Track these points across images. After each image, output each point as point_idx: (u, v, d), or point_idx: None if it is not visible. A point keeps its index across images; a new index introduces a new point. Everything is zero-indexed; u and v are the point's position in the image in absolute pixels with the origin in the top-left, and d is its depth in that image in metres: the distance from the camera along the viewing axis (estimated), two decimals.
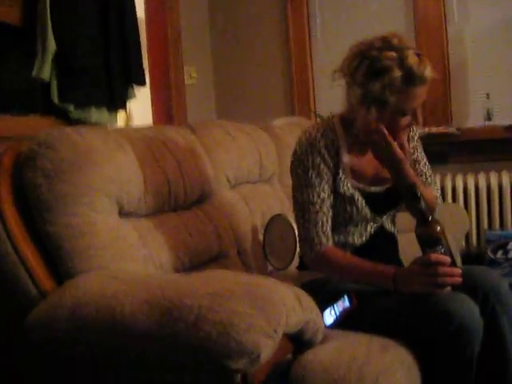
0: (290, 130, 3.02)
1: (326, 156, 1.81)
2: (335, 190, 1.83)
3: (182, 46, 3.94)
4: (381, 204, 1.88)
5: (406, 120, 1.77)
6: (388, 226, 1.95)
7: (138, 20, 3.27)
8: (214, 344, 1.19)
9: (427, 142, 3.70)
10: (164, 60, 3.82)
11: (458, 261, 2.77)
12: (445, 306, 1.53)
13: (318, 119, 3.79)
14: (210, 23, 4.45)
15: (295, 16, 4.30)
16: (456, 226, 3.22)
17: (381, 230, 1.92)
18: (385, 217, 1.93)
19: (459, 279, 1.57)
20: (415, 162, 1.95)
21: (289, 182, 2.76)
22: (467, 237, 3.95)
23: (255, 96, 4.40)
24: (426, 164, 1.98)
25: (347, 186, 1.84)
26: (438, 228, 1.60)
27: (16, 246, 1.56)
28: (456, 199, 3.95)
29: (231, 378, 1.23)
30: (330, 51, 4.21)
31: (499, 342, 1.69)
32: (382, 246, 1.90)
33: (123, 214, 1.77)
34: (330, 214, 1.82)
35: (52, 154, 1.63)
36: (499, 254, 3.76)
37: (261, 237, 2.37)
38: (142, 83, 3.18)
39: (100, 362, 1.39)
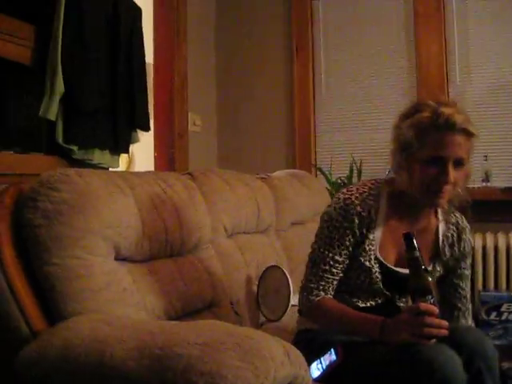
0: (290, 182, 3.06)
1: (356, 224, 1.79)
2: (355, 257, 1.81)
3: (187, 94, 4.00)
4: (398, 285, 1.83)
5: (432, 172, 1.71)
6: (397, 300, 1.90)
7: (146, 65, 3.34)
8: None
9: None
10: (169, 106, 3.88)
11: None
12: (429, 357, 1.54)
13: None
14: (216, 73, 4.53)
15: (300, 71, 4.39)
16: None
17: (389, 303, 1.89)
18: (397, 296, 1.89)
19: (445, 332, 1.58)
20: (456, 277, 1.93)
21: (285, 234, 2.80)
22: None
23: (257, 147, 4.45)
24: (468, 278, 1.95)
25: (369, 257, 1.81)
26: (430, 279, 1.60)
27: (11, 283, 1.56)
28: None
29: None
30: (333, 107, 4.30)
31: None
32: (388, 316, 1.86)
33: (119, 258, 1.78)
34: (338, 278, 1.82)
35: (53, 194, 1.65)
36: (493, 315, 3.75)
37: (255, 287, 2.38)
38: (146, 128, 3.22)
39: None
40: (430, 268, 1.88)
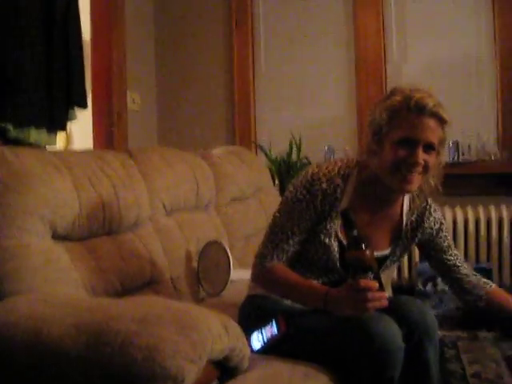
0: (229, 159, 3.08)
1: (318, 200, 1.79)
2: (316, 233, 1.83)
3: (126, 71, 3.96)
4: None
5: (401, 153, 1.71)
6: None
7: (84, 42, 3.29)
8: (139, 368, 1.21)
9: None
10: (108, 84, 3.82)
11: (389, 290, 2.83)
12: (367, 327, 1.59)
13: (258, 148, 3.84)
14: (155, 49, 4.49)
15: (240, 47, 4.38)
16: None
17: (342, 282, 1.86)
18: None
19: (385, 302, 1.61)
20: (448, 248, 1.97)
21: (225, 210, 2.83)
22: (399, 269, 4.06)
23: (197, 124, 4.45)
24: (452, 246, 1.99)
25: (330, 235, 1.82)
26: (369, 253, 1.64)
27: None
28: None
29: None
30: (272, 84, 4.32)
31: (424, 372, 1.76)
32: None
33: (56, 237, 1.77)
34: (293, 249, 1.83)
35: None
36: (429, 286, 3.88)
37: (195, 263, 2.39)
38: (84, 105, 3.18)
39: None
40: (387, 251, 1.92)
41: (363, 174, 1.84)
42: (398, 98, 1.72)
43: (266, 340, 1.73)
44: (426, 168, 1.72)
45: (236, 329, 1.45)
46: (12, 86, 2.67)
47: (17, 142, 2.72)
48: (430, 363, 1.76)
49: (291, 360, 1.66)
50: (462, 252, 3.98)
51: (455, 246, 3.68)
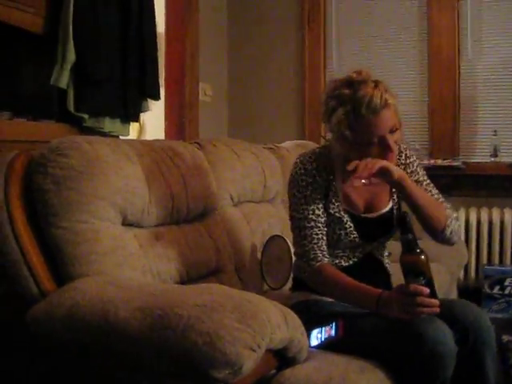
0: (298, 152, 3.08)
1: (318, 178, 1.89)
2: (326, 211, 1.90)
3: (198, 63, 4.02)
4: (371, 231, 1.94)
5: (375, 150, 1.79)
6: (377, 253, 2.01)
7: (158, 34, 3.36)
8: (199, 353, 1.25)
9: (432, 173, 3.76)
10: (180, 75, 3.90)
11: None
12: (419, 330, 1.59)
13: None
14: (228, 42, 4.55)
15: (312, 43, 4.39)
16: (453, 258, 3.27)
17: (369, 256, 1.99)
18: (374, 243, 1.98)
19: (437, 310, 1.63)
20: (417, 183, 1.98)
21: None
22: (466, 270, 4.00)
23: (267, 117, 4.48)
24: (430, 185, 2.01)
25: (337, 208, 1.91)
26: (423, 258, 1.64)
27: (21, 245, 1.62)
28: None
29: None
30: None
31: (480, 377, 1.74)
32: (370, 271, 1.95)
33: (126, 223, 1.83)
34: (325, 231, 1.89)
35: (62, 161, 1.70)
36: (496, 289, 3.80)
37: (259, 255, 2.43)
38: (157, 97, 3.26)
39: (92, 361, 1.46)
40: (391, 205, 1.97)
41: (337, 156, 1.93)
42: (347, 107, 1.77)
43: (323, 339, 1.75)
44: (396, 143, 1.82)
45: (296, 320, 1.47)
46: (89, 77, 2.75)
47: (92, 131, 2.82)
48: (485, 368, 1.74)
49: (347, 355, 1.67)
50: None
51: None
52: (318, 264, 1.85)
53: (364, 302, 1.76)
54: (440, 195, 2.01)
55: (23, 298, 1.60)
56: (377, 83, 1.79)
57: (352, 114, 1.77)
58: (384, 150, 1.79)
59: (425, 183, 1.99)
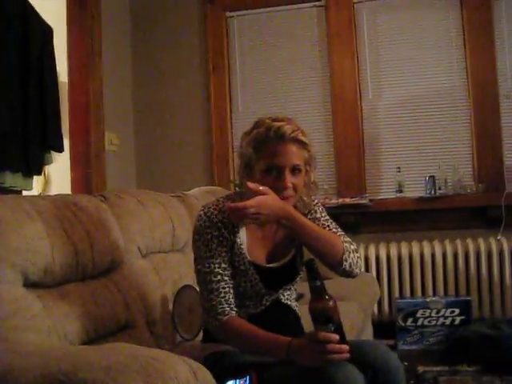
0: (206, 199, 3.08)
1: (223, 231, 1.87)
2: (232, 264, 1.89)
3: (104, 113, 3.98)
4: (276, 279, 1.94)
5: (271, 181, 1.82)
6: (283, 298, 2.01)
7: (60, 84, 3.31)
8: None
9: (341, 212, 3.85)
10: (85, 126, 3.85)
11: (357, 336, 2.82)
12: (330, 376, 1.60)
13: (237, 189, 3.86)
14: (132, 91, 4.54)
15: (217, 88, 4.46)
16: (366, 295, 3.32)
17: (276, 302, 1.99)
18: (280, 291, 1.99)
19: (346, 355, 1.64)
20: (315, 219, 1.99)
21: None
22: (380, 305, 4.07)
23: (176, 164, 4.48)
24: (328, 220, 2.02)
25: (242, 260, 1.90)
26: (331, 305, 1.66)
27: None
28: (368, 268, 4.08)
29: None
30: (250, 123, 4.34)
31: None
32: (279, 316, 1.96)
33: (28, 284, 1.76)
34: (231, 284, 1.87)
35: None
36: (409, 321, 3.89)
37: (171, 306, 2.39)
38: (60, 149, 3.20)
39: None
40: (291, 255, 1.99)
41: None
42: (260, 129, 1.85)
43: None
44: (295, 189, 1.85)
45: (206, 375, 1.43)
46: None
47: None
48: None
49: None
50: (442, 285, 4.01)
51: (435, 280, 3.71)
52: (226, 318, 1.83)
53: (274, 351, 1.75)
54: (338, 229, 2.01)
55: None
56: (294, 122, 1.87)
57: (261, 136, 1.83)
58: (278, 183, 1.82)
59: (322, 219, 2.01)
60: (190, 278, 2.52)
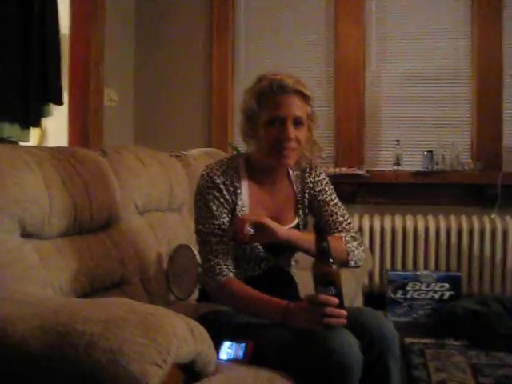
0: (205, 160, 3.06)
1: (225, 192, 1.88)
2: (232, 226, 1.88)
3: (104, 68, 3.93)
4: (276, 245, 1.90)
5: (273, 132, 1.84)
6: (282, 263, 2.01)
7: (61, 36, 3.26)
8: (102, 371, 1.20)
9: (337, 181, 3.84)
10: (84, 80, 3.80)
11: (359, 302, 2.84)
12: (325, 342, 1.60)
13: (234, 152, 3.84)
14: (134, 47, 4.48)
15: (220, 49, 4.39)
16: None
17: (275, 267, 1.98)
18: (280, 256, 1.99)
19: (344, 321, 1.64)
20: (324, 202, 2.01)
21: None
22: (371, 276, 4.09)
23: (174, 124, 4.44)
24: (337, 205, 2.02)
25: None
26: (334, 269, 1.66)
27: None
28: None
29: None
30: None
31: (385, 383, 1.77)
32: (277, 281, 1.96)
33: (25, 235, 1.75)
34: (230, 246, 1.86)
35: None
36: (399, 293, 3.91)
37: (165, 265, 2.38)
38: (59, 102, 3.16)
39: None
40: (296, 221, 2.00)
41: (250, 161, 1.97)
42: (263, 83, 1.87)
43: (231, 357, 1.72)
44: (298, 142, 1.86)
45: (203, 333, 1.44)
46: None
47: None
48: (390, 375, 1.77)
49: (255, 366, 1.65)
50: (433, 259, 4.02)
51: (427, 254, 3.73)
52: (224, 279, 1.82)
53: (270, 313, 1.75)
54: (345, 216, 2.01)
55: None
56: (297, 78, 1.89)
57: (264, 89, 1.85)
58: (281, 134, 1.83)
59: (332, 203, 2.01)
60: (186, 239, 2.52)
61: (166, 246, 2.43)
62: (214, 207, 1.86)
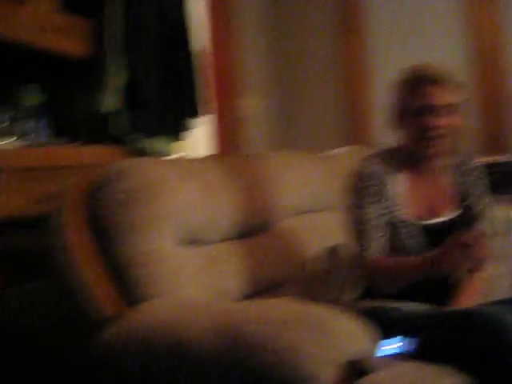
0: (349, 159, 3.05)
1: (380, 182, 1.89)
2: (388, 216, 1.89)
3: (242, 78, 4.02)
4: (433, 238, 1.88)
5: (425, 119, 1.84)
6: None
7: (201, 49, 3.35)
8: (276, 371, 1.21)
9: (485, 170, 3.65)
10: (226, 91, 3.90)
11: None
12: (498, 318, 1.55)
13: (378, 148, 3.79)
14: (269, 57, 4.52)
15: (353, 45, 4.35)
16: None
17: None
18: None
19: (486, 257, 1.60)
20: (467, 194, 1.98)
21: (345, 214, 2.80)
22: None
23: (313, 127, 4.44)
24: (481, 198, 1.99)
25: (398, 214, 1.89)
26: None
27: (82, 271, 1.62)
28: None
29: None
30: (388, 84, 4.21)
31: None
32: (434, 279, 1.90)
33: (188, 242, 1.82)
34: (384, 234, 1.87)
35: (122, 184, 1.69)
36: None
37: (322, 266, 2.39)
38: (200, 115, 3.22)
39: None
40: (455, 214, 1.97)
41: (403, 152, 1.96)
42: (412, 73, 1.89)
43: (393, 352, 1.70)
44: (448, 131, 1.86)
45: (371, 330, 1.43)
46: (137, 99, 2.77)
47: (141, 153, 2.82)
48: None
49: (421, 361, 1.62)
50: None
51: None
52: (371, 257, 1.85)
53: (419, 267, 1.74)
54: (486, 210, 2.00)
55: (86, 321, 1.59)
56: (448, 69, 1.90)
57: (414, 78, 1.87)
58: (431, 123, 1.83)
59: (475, 194, 1.99)
60: (339, 238, 2.51)
61: (323, 246, 2.44)
62: (369, 195, 1.88)
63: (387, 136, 2.08)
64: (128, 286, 1.62)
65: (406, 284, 1.81)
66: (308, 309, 1.38)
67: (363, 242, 1.86)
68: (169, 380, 1.42)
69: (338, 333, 1.29)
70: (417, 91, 1.86)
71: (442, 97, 1.84)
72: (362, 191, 1.89)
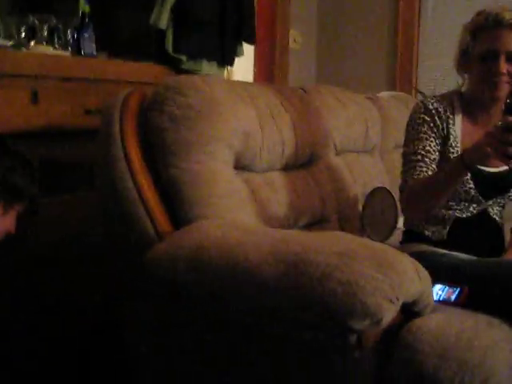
0: (396, 104, 2.99)
1: (436, 118, 1.86)
2: (443, 155, 1.85)
3: (289, 9, 3.91)
4: (489, 185, 1.85)
5: (488, 65, 1.79)
6: (493, 211, 1.93)
7: None
8: (338, 302, 1.20)
9: None
10: (271, 21, 3.81)
11: None
12: None
13: (420, 96, 3.71)
14: None
15: None
16: None
17: (484, 214, 1.90)
18: (491, 201, 1.90)
19: None
20: None
21: (388, 156, 2.76)
22: None
23: (357, 67, 4.33)
24: None
25: (456, 154, 1.84)
26: None
27: (138, 186, 1.60)
28: None
29: (348, 339, 1.25)
30: (438, 32, 4.09)
31: None
32: (484, 230, 1.88)
33: (239, 167, 1.79)
34: (431, 168, 1.81)
35: (180, 99, 1.66)
36: None
37: (360, 206, 2.36)
38: (252, 42, 3.17)
39: (216, 307, 1.42)
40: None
41: (464, 96, 1.94)
42: (480, 16, 1.83)
43: (441, 298, 1.67)
44: (511, 77, 1.80)
45: (426, 273, 1.40)
46: (188, 18, 2.69)
47: (189, 74, 2.76)
48: None
49: (470, 311, 1.59)
50: None
51: None
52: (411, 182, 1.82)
53: (452, 167, 1.70)
54: None
55: (139, 238, 1.58)
56: None
57: (479, 22, 1.82)
58: (494, 68, 1.79)
59: None
60: (380, 181, 2.50)
61: (362, 187, 2.41)
62: (423, 129, 1.85)
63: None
64: (181, 205, 1.61)
65: (444, 198, 1.77)
66: (369, 243, 1.36)
67: (412, 171, 1.82)
68: (220, 298, 1.41)
69: (400, 271, 1.27)
70: (480, 36, 1.82)
71: (504, 42, 1.78)
72: (421, 124, 1.85)
